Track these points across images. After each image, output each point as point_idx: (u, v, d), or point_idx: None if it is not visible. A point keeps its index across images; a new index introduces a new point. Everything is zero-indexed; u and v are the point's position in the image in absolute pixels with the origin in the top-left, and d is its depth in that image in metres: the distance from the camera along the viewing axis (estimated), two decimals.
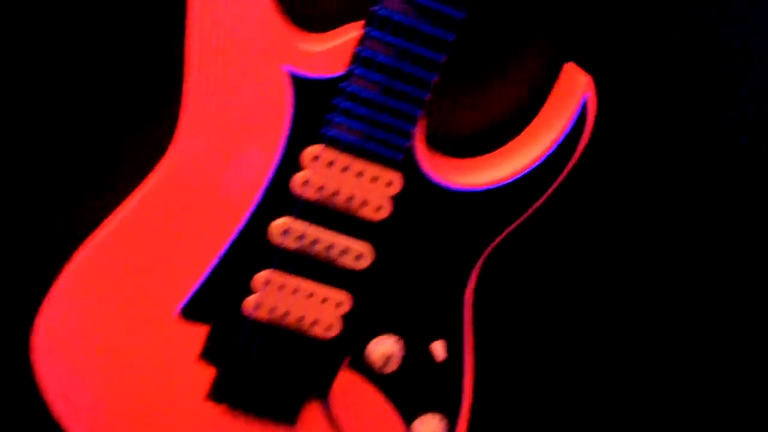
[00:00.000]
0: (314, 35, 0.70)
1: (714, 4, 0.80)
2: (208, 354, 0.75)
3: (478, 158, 0.79)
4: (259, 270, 0.74)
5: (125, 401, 0.76)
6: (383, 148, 0.71)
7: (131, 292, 0.73)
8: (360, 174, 0.71)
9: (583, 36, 0.80)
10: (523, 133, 0.79)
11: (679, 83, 0.83)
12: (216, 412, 0.77)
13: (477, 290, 0.78)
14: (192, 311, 0.74)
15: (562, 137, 0.73)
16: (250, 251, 0.73)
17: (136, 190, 0.71)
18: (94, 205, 0.74)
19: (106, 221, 0.72)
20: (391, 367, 0.77)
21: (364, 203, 0.72)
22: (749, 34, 0.82)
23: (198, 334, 0.75)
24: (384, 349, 0.77)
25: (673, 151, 0.86)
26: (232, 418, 0.78)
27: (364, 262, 0.74)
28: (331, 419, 0.78)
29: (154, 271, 0.72)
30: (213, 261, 0.73)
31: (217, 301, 0.74)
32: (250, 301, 0.74)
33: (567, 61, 0.76)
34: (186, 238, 0.72)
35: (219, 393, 0.76)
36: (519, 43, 0.80)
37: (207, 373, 0.76)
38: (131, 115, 0.79)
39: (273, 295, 0.74)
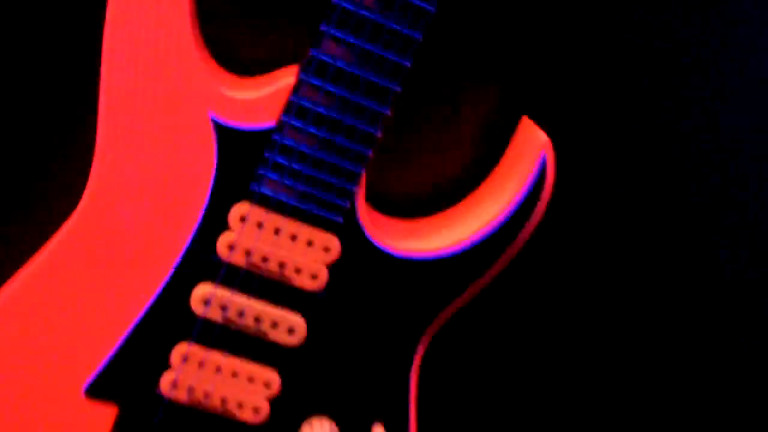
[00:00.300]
0: (244, 80, 0.62)
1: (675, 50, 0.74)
2: None
3: (426, 220, 0.71)
4: (177, 343, 0.64)
5: None
6: (321, 208, 0.63)
7: (32, 365, 0.63)
8: (294, 237, 0.63)
9: (540, 83, 0.74)
10: (476, 193, 0.71)
11: (638, 139, 0.77)
12: None
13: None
14: (99, 389, 0.64)
15: (517, 203, 0.66)
16: (168, 322, 0.64)
17: (41, 248, 0.62)
18: None
19: (5, 283, 0.62)
20: None
21: (298, 270, 0.64)
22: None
23: (107, 415, 0.65)
24: None
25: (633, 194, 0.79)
26: None
27: (297, 337, 0.65)
28: None
29: (58, 342, 0.63)
30: (124, 332, 0.64)
31: (128, 378, 0.64)
32: (166, 380, 0.65)
33: (522, 112, 0.69)
34: (95, 304, 0.63)
35: None
36: (469, 93, 0.73)
37: None
38: (35, 162, 0.70)
39: (192, 373, 0.65)
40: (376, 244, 0.65)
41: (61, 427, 0.65)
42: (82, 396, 0.65)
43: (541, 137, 0.66)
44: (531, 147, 0.68)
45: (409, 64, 0.60)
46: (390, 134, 0.65)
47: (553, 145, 0.66)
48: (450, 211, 0.72)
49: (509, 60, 0.73)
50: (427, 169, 0.75)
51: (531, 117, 0.71)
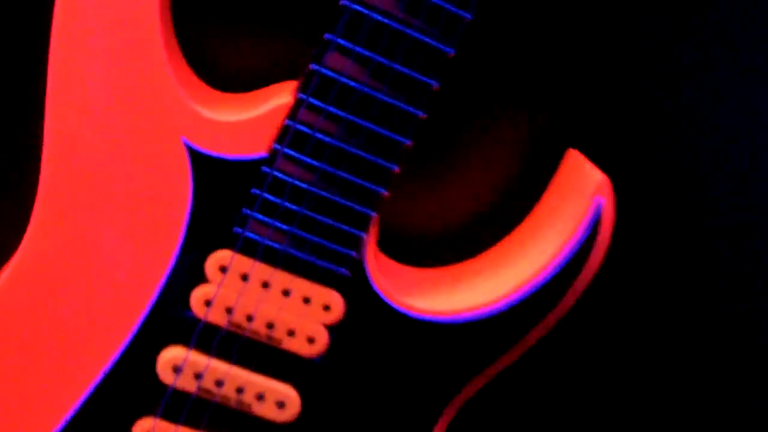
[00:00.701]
0: (227, 97, 0.49)
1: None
2: None
3: (450, 269, 0.58)
4: (140, 417, 0.52)
5: None
6: (321, 259, 0.50)
7: None
8: (286, 293, 0.50)
9: (587, 110, 0.60)
10: (510, 238, 0.58)
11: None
12: None
13: None
14: None
15: (565, 256, 0.52)
16: (129, 391, 0.51)
17: None
18: None
19: None
20: None
21: (291, 333, 0.51)
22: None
23: None
24: None
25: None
26: None
27: (288, 412, 0.53)
28: None
29: (2, 410, 0.51)
30: (75, 402, 0.51)
31: None
32: None
33: (566, 144, 0.56)
34: (40, 365, 0.50)
35: None
36: (505, 119, 0.60)
37: None
38: None
39: None
40: (388, 302, 0.53)
41: None
42: None
43: (596, 176, 0.53)
44: (582, 187, 0.54)
45: (436, 85, 0.47)
46: (409, 165, 0.52)
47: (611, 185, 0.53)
48: (480, 259, 0.59)
49: (553, 82, 0.59)
50: (452, 207, 0.62)
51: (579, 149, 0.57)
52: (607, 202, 0.53)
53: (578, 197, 0.54)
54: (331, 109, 0.47)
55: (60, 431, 0.52)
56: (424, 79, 0.47)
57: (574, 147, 0.59)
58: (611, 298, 0.67)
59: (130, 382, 0.52)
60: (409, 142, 0.49)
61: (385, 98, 0.48)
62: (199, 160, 0.48)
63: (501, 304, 0.53)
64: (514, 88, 0.60)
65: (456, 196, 0.63)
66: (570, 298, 0.54)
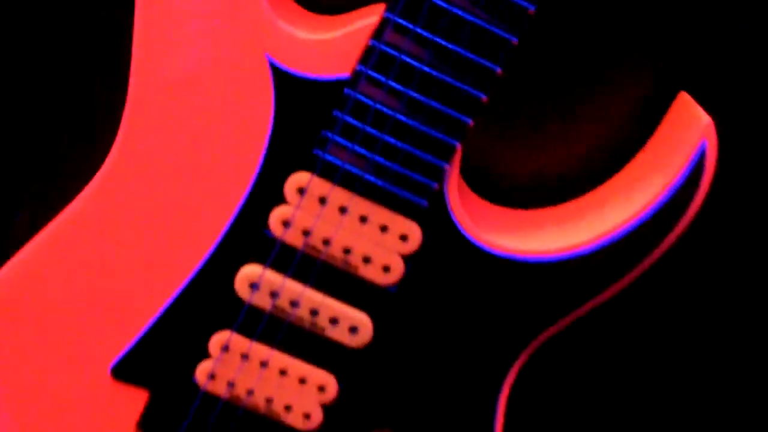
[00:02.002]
0: (315, 18, 0.47)
1: None
2: (146, 427, 0.54)
3: (540, 211, 0.55)
4: (217, 330, 0.52)
5: None
6: (400, 187, 0.48)
7: (54, 335, 0.52)
8: (364, 219, 0.49)
9: (704, 51, 0.55)
10: (610, 183, 0.54)
11: None
12: None
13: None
14: (127, 371, 0.53)
15: (664, 197, 0.48)
16: (207, 304, 0.51)
17: (64, 209, 0.50)
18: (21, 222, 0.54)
19: (26, 245, 0.51)
20: None
21: (367, 260, 0.50)
22: None
23: (137, 399, 0.54)
24: None
25: None
26: None
27: (361, 338, 0.51)
28: None
29: (83, 316, 0.52)
30: (157, 310, 0.52)
31: (159, 363, 0.53)
32: (202, 369, 0.53)
33: (680, 86, 0.51)
34: (124, 275, 0.51)
35: None
36: (612, 59, 0.55)
37: None
38: (64, 114, 0.58)
39: (233, 366, 0.52)
40: (469, 237, 0.50)
41: (87, 408, 0.54)
42: (108, 376, 0.53)
43: (703, 118, 0.48)
44: (688, 130, 0.50)
45: (532, 8, 0.43)
46: (500, 102, 0.49)
47: (716, 128, 0.48)
48: (576, 202, 0.55)
49: (666, 24, 0.54)
50: (550, 151, 0.58)
51: (691, 93, 0.52)
52: (710, 145, 0.48)
53: (683, 140, 0.50)
54: (419, 30, 0.45)
55: (143, 335, 0.52)
56: (522, 2, 0.44)
57: (686, 90, 0.54)
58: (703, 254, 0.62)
59: (209, 296, 0.52)
60: (499, 70, 0.45)
61: (478, 21, 0.44)
62: (282, 79, 0.46)
63: (594, 245, 0.50)
64: (629, 30, 0.55)
65: (555, 141, 0.59)
66: (666, 243, 0.50)
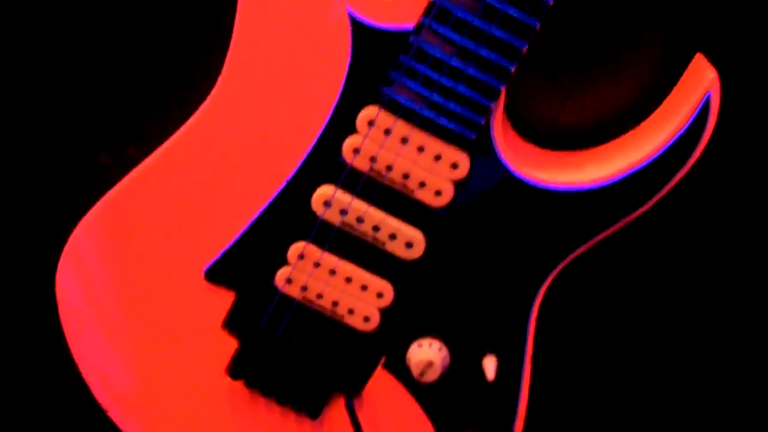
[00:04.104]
0: None
1: None
2: (231, 324, 0.64)
3: (572, 153, 0.63)
4: (295, 241, 0.61)
5: (143, 357, 0.66)
6: (453, 122, 0.57)
7: (157, 242, 0.62)
8: (421, 149, 0.58)
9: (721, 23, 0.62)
10: (632, 131, 0.62)
11: None
12: (232, 387, 0.66)
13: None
14: (217, 275, 0.63)
15: (671, 140, 0.57)
16: (288, 218, 0.61)
17: (171, 136, 0.60)
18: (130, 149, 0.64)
19: (138, 166, 0.61)
20: (431, 376, 0.63)
21: (422, 184, 0.58)
22: None
23: (224, 300, 0.64)
24: (424, 355, 0.63)
25: None
26: (249, 397, 0.66)
27: (415, 252, 0.60)
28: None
29: (181, 225, 0.62)
30: (247, 222, 0.61)
31: (245, 268, 0.62)
32: (281, 274, 0.62)
33: (697, 49, 0.59)
34: (219, 192, 0.61)
35: (237, 368, 0.65)
36: (642, 21, 0.63)
37: (229, 345, 0.65)
38: (172, 54, 0.68)
39: (307, 272, 0.62)
40: (509, 168, 0.59)
41: (184, 305, 0.64)
42: (202, 278, 0.63)
43: (709, 73, 0.56)
44: (698, 83, 0.58)
45: None
46: (548, 61, 0.57)
47: (721, 82, 0.56)
48: (599, 148, 0.63)
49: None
50: (585, 102, 0.66)
51: (708, 56, 0.60)
52: (714, 94, 0.56)
53: (693, 92, 0.58)
54: None
55: (234, 242, 0.62)
56: None
57: (703, 52, 0.61)
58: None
59: (290, 212, 0.61)
60: (537, 26, 0.54)
61: None
62: (358, 28, 0.55)
63: (609, 179, 0.58)
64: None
65: (589, 93, 0.67)
66: (677, 177, 0.58)
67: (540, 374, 0.64)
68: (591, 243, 0.61)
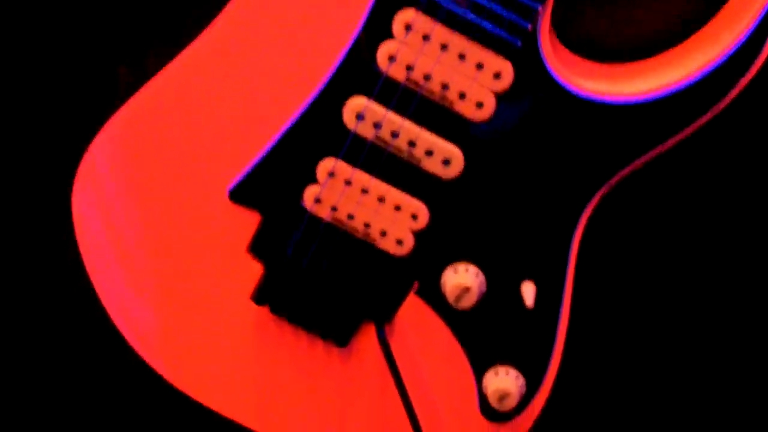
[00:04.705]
0: None
1: None
2: (257, 248, 0.61)
3: (623, 65, 0.59)
4: (324, 157, 0.57)
5: (165, 282, 0.62)
6: (497, 26, 0.52)
7: (178, 160, 0.59)
8: (462, 57, 0.53)
9: None
10: (685, 44, 0.58)
11: None
12: (258, 314, 0.63)
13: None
14: (242, 195, 0.59)
15: (726, 54, 0.52)
16: (318, 132, 0.57)
17: (192, 42, 0.56)
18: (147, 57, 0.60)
19: (156, 75, 0.57)
20: (466, 302, 0.60)
21: (462, 95, 0.54)
22: None
23: (249, 221, 0.60)
24: (461, 280, 0.59)
25: None
26: (275, 325, 0.63)
27: (453, 170, 0.57)
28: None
29: (204, 141, 0.58)
30: (274, 137, 0.57)
31: (272, 188, 0.59)
32: (309, 193, 0.58)
33: None
34: (245, 105, 0.57)
35: (262, 294, 0.62)
36: None
37: (254, 269, 0.62)
38: None
39: (337, 191, 0.58)
40: (557, 78, 0.54)
41: (207, 227, 0.61)
42: (227, 199, 0.60)
43: None
44: None
45: None
46: None
47: None
48: (651, 60, 0.59)
49: None
50: (636, 13, 0.61)
51: None
52: None
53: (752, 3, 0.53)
54: None
55: (260, 160, 0.58)
56: None
57: None
58: None
59: (320, 126, 0.57)
60: None
61: None
62: None
63: (661, 92, 0.54)
64: None
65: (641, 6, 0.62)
66: (726, 97, 0.54)
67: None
68: (639, 162, 0.57)
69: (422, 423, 0.61)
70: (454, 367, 0.62)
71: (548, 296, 0.60)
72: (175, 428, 0.75)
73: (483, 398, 0.62)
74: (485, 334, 0.61)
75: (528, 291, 0.60)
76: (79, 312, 0.71)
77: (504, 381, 0.61)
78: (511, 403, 0.61)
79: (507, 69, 0.54)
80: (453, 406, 0.63)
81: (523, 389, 0.62)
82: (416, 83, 0.54)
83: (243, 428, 0.65)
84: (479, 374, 0.62)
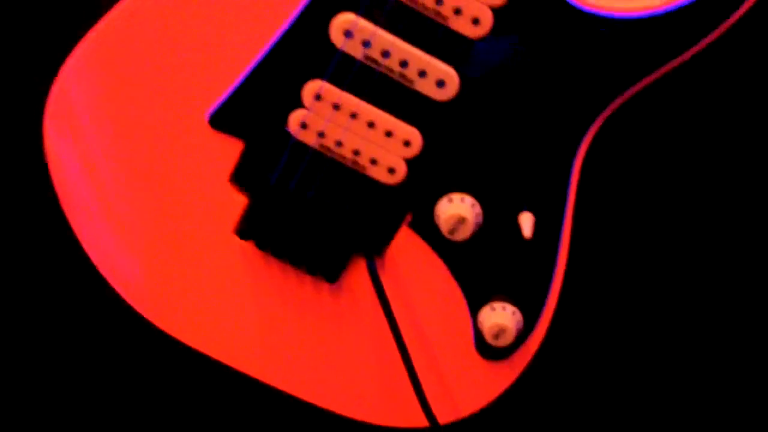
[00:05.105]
0: None
1: None
2: (240, 178, 0.57)
3: None
4: (310, 79, 0.53)
5: (144, 217, 0.59)
6: None
7: (154, 84, 0.55)
8: None
9: None
10: None
11: None
12: (243, 249, 0.59)
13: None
14: (223, 120, 0.55)
15: None
16: (303, 52, 0.53)
17: None
18: None
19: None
20: (462, 234, 0.57)
21: (458, 11, 0.50)
22: None
23: (231, 150, 0.57)
24: (456, 210, 0.56)
25: None
26: (261, 260, 0.60)
27: (447, 92, 0.53)
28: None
29: (181, 62, 0.54)
30: (255, 57, 0.53)
31: (255, 113, 0.55)
32: (295, 118, 0.55)
33: None
34: (225, 23, 0.53)
35: (246, 228, 0.58)
36: None
37: (237, 202, 0.58)
38: None
39: (324, 116, 0.54)
40: None
41: (186, 155, 0.57)
42: (206, 125, 0.56)
43: None
44: None
45: None
46: None
47: None
48: None
49: None
50: None
51: None
52: None
53: None
54: None
55: (241, 82, 0.54)
56: None
57: None
58: None
59: (304, 45, 0.53)
60: None
61: None
62: None
63: (675, 4, 0.50)
64: None
65: None
66: (730, 18, 0.50)
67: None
68: (642, 84, 0.53)
69: (416, 361, 0.59)
70: (449, 303, 0.59)
71: (547, 227, 0.57)
72: (166, 373, 0.72)
73: (479, 334, 0.59)
74: (481, 267, 0.58)
75: (526, 222, 0.56)
76: (61, 256, 0.67)
77: (500, 316, 0.59)
78: (508, 339, 0.59)
79: None
80: (448, 342, 0.60)
81: (521, 325, 0.59)
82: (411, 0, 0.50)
83: (235, 371, 0.63)
84: (475, 310, 0.59)
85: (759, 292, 0.70)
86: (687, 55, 0.52)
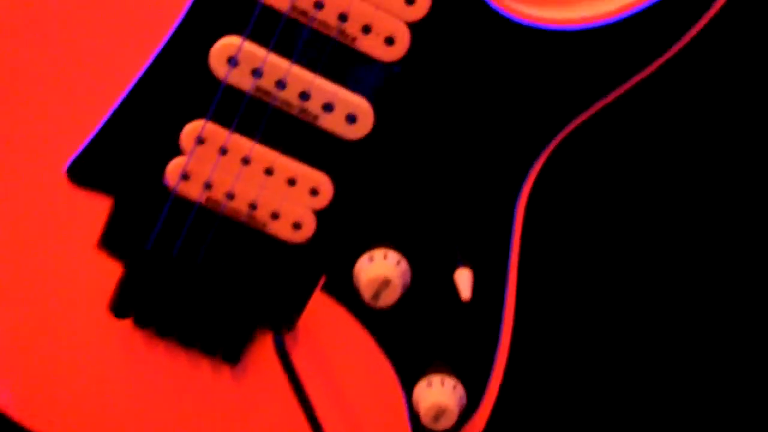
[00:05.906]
0: None
1: None
2: (110, 242, 0.47)
3: None
4: (190, 120, 0.43)
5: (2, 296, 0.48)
6: None
7: (6, 137, 0.44)
8: None
9: None
10: None
11: None
12: (122, 329, 0.49)
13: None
14: (84, 173, 0.45)
15: None
16: (178, 86, 0.43)
17: None
18: None
19: None
20: (387, 299, 0.47)
21: (367, 29, 0.41)
22: None
23: (98, 208, 0.46)
24: (378, 270, 0.47)
25: None
26: (145, 342, 0.49)
27: (359, 129, 0.44)
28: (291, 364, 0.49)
29: (32, 107, 0.43)
30: (118, 96, 0.43)
31: (123, 161, 0.45)
32: (174, 166, 0.44)
33: None
34: (79, 53, 0.43)
35: (123, 303, 0.48)
36: None
37: (111, 271, 0.47)
38: None
39: (210, 163, 0.44)
40: (489, 2, 0.42)
41: (45, 218, 0.46)
42: (64, 178, 0.45)
43: None
44: None
45: None
46: None
47: None
48: None
49: None
50: None
51: None
52: None
53: None
54: None
55: (101, 130, 0.44)
56: None
57: None
58: None
59: (179, 77, 0.43)
60: None
61: None
62: None
63: (620, 15, 0.42)
64: None
65: None
66: (704, 18, 0.42)
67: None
68: (594, 108, 0.44)
69: None
70: (378, 380, 0.50)
71: (488, 285, 0.48)
72: None
73: (414, 417, 0.49)
74: (413, 336, 0.49)
75: (463, 279, 0.48)
76: None
77: (439, 394, 0.49)
78: (450, 420, 0.49)
79: None
80: (378, 429, 0.50)
81: (463, 401, 0.50)
82: (304, 13, 0.41)
83: None
84: (409, 387, 0.50)
85: (752, 293, 0.65)
86: (649, 71, 0.44)
